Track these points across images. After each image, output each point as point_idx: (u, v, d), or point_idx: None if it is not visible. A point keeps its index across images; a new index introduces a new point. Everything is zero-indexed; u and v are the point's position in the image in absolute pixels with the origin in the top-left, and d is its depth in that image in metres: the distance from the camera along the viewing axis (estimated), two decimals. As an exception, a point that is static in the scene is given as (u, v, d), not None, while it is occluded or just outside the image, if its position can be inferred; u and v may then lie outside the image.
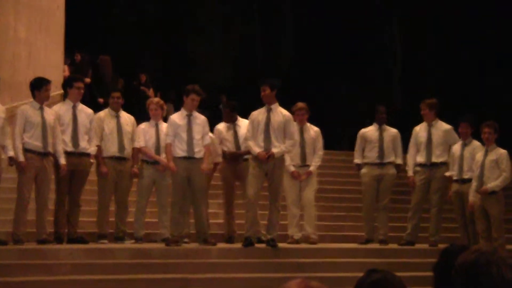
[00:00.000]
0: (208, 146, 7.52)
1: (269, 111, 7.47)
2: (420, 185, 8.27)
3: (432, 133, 8.31)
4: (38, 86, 7.31)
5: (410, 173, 8.36)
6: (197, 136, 7.40)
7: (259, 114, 7.51)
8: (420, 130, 8.40)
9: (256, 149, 7.33)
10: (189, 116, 7.46)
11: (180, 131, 7.38)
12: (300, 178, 8.16)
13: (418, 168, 8.32)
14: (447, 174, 8.24)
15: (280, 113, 7.49)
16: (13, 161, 6.98)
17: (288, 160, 8.03)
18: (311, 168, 8.22)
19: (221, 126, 8.37)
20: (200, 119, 7.52)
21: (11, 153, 6.97)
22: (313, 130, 8.40)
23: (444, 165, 8.26)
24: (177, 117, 7.51)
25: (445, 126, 8.38)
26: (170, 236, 7.37)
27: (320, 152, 8.37)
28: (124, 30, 17.75)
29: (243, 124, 8.08)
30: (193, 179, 7.33)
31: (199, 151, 7.39)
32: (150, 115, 8.10)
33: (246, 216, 7.44)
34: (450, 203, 8.43)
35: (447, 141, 8.35)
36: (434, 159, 8.24)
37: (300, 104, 8.38)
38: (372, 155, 8.47)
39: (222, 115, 9.09)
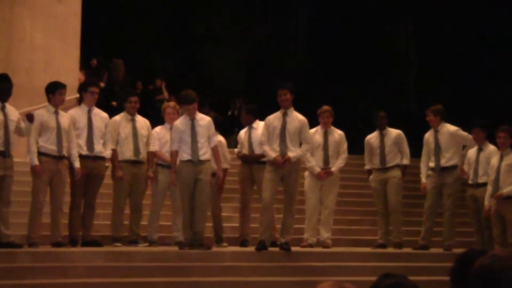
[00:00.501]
0: (216, 148, 7.48)
1: (285, 115, 7.48)
2: (431, 189, 8.27)
3: (439, 138, 8.31)
4: (53, 90, 7.38)
5: (423, 179, 8.40)
6: (201, 139, 7.36)
7: (274, 118, 7.51)
8: (428, 137, 8.43)
9: (272, 153, 7.33)
10: (192, 120, 7.42)
11: (185, 136, 7.36)
12: (323, 177, 8.13)
13: (429, 172, 8.34)
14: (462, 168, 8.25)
15: (296, 117, 7.50)
16: (31, 118, 7.00)
17: (312, 162, 8.07)
18: (333, 169, 8.19)
19: (242, 131, 8.46)
20: (204, 121, 7.46)
21: (23, 124, 7.03)
22: (337, 133, 8.40)
23: (456, 168, 8.23)
24: (180, 123, 7.47)
25: (451, 128, 8.35)
26: (183, 240, 7.39)
27: (344, 155, 8.34)
28: (138, 35, 17.84)
29: (259, 126, 8.09)
30: (198, 180, 7.31)
31: (204, 154, 7.36)
32: (166, 119, 8.12)
33: (261, 220, 7.45)
34: (464, 206, 8.40)
35: (456, 143, 8.32)
36: (444, 163, 8.22)
37: (325, 107, 8.40)
38: (375, 161, 8.52)
39: (233, 120, 9.13)
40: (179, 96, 7.66)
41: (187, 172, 7.30)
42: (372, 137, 8.66)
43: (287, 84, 7.63)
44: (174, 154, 7.41)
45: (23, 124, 7.07)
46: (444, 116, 8.39)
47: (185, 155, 7.35)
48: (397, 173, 8.44)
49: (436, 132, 8.36)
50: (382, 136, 8.55)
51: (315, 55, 17.91)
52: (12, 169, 7.02)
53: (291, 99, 7.49)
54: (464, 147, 8.44)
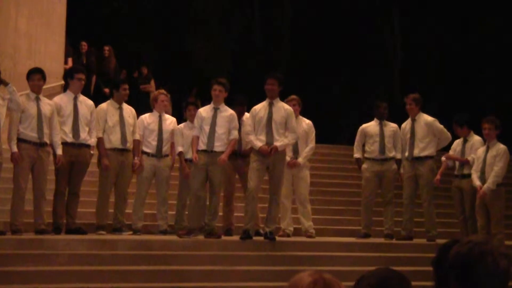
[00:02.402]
0: (234, 141, 7.52)
1: (271, 105, 7.46)
2: (406, 179, 8.28)
3: (415, 127, 8.29)
4: (28, 76, 7.35)
5: (401, 169, 8.40)
6: (220, 130, 7.40)
7: (260, 108, 7.48)
8: (405, 126, 8.42)
9: (258, 143, 7.32)
10: (215, 110, 7.47)
11: (204, 124, 7.41)
12: (290, 168, 8.07)
13: (405, 163, 8.34)
14: (443, 158, 8.31)
15: (282, 107, 7.49)
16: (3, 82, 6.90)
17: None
18: (300, 159, 8.16)
19: None
20: (227, 113, 7.51)
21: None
22: (305, 122, 8.36)
23: (430, 158, 8.21)
24: (204, 110, 7.55)
25: (428, 119, 8.32)
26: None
27: (311, 144, 8.31)
28: (123, 22, 17.72)
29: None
30: (212, 172, 7.34)
31: (220, 145, 7.39)
32: (158, 106, 8.06)
33: (246, 210, 7.43)
34: (449, 197, 8.44)
35: (432, 134, 8.28)
36: (417, 153, 8.20)
37: (292, 96, 8.36)
38: (373, 150, 8.44)
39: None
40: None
41: (201, 161, 7.33)
42: (370, 126, 8.57)
43: (276, 74, 7.62)
44: (195, 139, 7.46)
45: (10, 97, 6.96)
46: (422, 105, 8.39)
47: (201, 144, 7.40)
48: (393, 166, 8.40)
49: (414, 121, 8.34)
50: (381, 126, 8.48)
51: (311, 45, 17.89)
52: (1, 155, 6.95)
53: (278, 90, 7.47)
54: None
